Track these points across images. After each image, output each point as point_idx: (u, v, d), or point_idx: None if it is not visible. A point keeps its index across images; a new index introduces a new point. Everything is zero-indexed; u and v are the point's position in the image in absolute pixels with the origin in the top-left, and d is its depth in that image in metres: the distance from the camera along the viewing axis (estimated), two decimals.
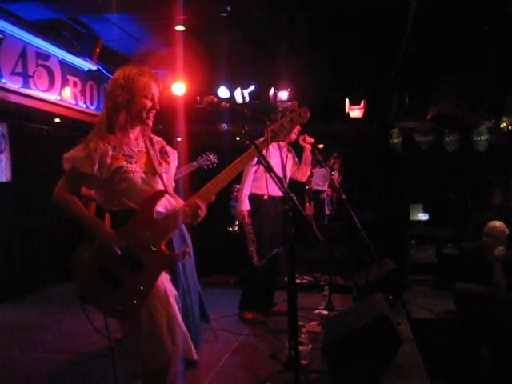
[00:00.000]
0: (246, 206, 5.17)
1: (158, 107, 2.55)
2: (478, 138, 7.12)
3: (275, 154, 5.16)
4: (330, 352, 3.69)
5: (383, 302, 3.98)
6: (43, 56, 5.84)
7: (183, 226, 2.63)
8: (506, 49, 5.14)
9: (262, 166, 2.87)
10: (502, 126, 6.83)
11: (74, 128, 6.99)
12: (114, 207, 2.48)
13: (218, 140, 7.10)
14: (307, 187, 8.86)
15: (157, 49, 6.99)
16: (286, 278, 5.32)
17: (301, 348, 3.92)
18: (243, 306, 5.30)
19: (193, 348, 2.51)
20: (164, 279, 2.47)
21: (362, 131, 7.38)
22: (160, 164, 2.58)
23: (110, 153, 2.42)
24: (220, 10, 5.59)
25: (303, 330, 4.55)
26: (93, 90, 6.88)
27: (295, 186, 5.76)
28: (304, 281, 6.69)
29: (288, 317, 2.86)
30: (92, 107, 6.85)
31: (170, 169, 2.66)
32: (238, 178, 5.10)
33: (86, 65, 6.47)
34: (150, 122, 2.56)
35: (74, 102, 6.42)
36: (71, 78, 6.37)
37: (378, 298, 4.09)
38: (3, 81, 5.25)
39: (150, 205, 2.43)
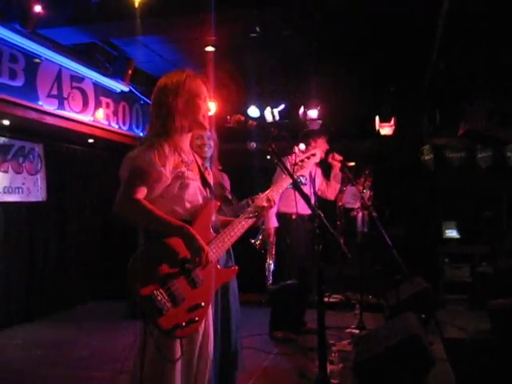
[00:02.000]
0: (273, 223, 5.15)
1: (210, 109, 2.49)
2: None
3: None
4: (360, 371, 3.65)
5: (415, 321, 3.93)
6: (77, 78, 6.00)
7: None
8: None
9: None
10: None
11: (108, 148, 7.15)
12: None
13: (248, 159, 7.14)
14: (339, 204, 8.82)
15: (188, 69, 7.12)
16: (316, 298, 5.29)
17: (331, 367, 3.88)
18: (273, 324, 5.29)
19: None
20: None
21: (393, 148, 7.33)
22: (207, 176, 2.49)
23: (174, 157, 2.29)
24: (249, 31, 5.67)
25: (334, 348, 4.50)
26: (125, 111, 7.03)
27: (326, 204, 5.75)
28: (335, 299, 6.63)
29: (317, 335, 2.83)
30: (124, 128, 6.98)
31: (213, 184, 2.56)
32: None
33: (119, 86, 6.62)
34: (207, 125, 2.46)
35: (106, 122, 6.56)
36: (104, 100, 6.52)
37: (410, 316, 4.04)
38: (40, 103, 5.41)
39: (208, 216, 2.34)
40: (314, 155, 3.06)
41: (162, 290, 2.12)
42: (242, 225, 2.46)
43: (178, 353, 2.22)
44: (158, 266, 2.14)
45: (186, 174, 2.31)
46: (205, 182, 2.44)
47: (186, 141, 2.43)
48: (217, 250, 2.33)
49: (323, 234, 2.49)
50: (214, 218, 2.40)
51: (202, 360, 2.36)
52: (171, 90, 2.35)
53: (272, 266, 5.10)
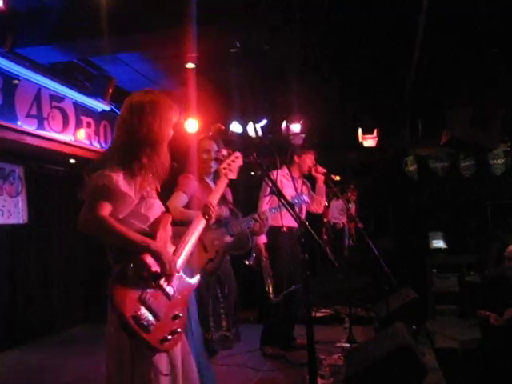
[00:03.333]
0: (262, 239, 5.11)
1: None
2: (495, 162, 7.03)
3: (288, 185, 5.15)
4: None
5: (405, 332, 3.87)
6: (57, 98, 5.94)
7: None
8: None
9: (276, 197, 2.90)
10: None
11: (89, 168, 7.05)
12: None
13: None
14: (325, 220, 8.81)
15: (169, 87, 7.09)
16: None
17: (323, 381, 3.82)
18: (264, 340, 5.21)
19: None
20: None
21: (377, 160, 7.34)
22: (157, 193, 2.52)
23: (139, 178, 2.32)
24: (230, 46, 5.66)
25: (324, 363, 4.43)
26: (106, 130, 6.96)
27: (313, 220, 5.71)
28: (324, 313, 6.57)
29: (307, 350, 2.77)
30: (106, 147, 6.91)
31: None
32: (254, 210, 5.07)
33: (99, 105, 6.57)
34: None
35: (88, 142, 6.49)
36: (85, 119, 6.46)
37: (400, 327, 3.98)
38: (18, 123, 5.33)
39: (166, 229, 2.37)
40: (237, 157, 3.11)
41: (143, 307, 2.17)
42: (195, 235, 2.54)
43: (167, 366, 2.27)
44: (134, 285, 2.18)
45: (150, 193, 2.38)
46: (157, 196, 2.48)
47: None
48: (179, 260, 2.39)
49: (309, 242, 2.45)
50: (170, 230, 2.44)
51: (186, 371, 2.40)
52: (163, 118, 2.40)
53: (270, 281, 5.05)
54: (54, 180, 6.80)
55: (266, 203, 5.03)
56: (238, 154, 3.10)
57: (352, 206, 7.74)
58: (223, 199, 3.69)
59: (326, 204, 8.21)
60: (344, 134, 7.27)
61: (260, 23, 5.17)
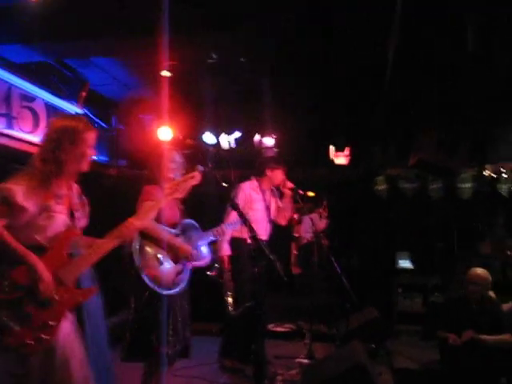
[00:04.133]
0: (225, 251, 5.09)
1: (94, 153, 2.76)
2: (463, 186, 7.13)
3: (258, 198, 5.18)
4: None
5: (361, 350, 3.89)
6: (28, 98, 5.85)
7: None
8: (485, 95, 5.22)
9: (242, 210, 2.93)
10: (485, 173, 6.87)
11: None
12: (25, 242, 2.50)
13: (203, 185, 7.09)
14: (296, 235, 8.82)
15: (144, 94, 7.07)
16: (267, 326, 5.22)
17: None
18: (222, 353, 5.18)
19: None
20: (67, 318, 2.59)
21: (347, 178, 7.40)
22: (77, 209, 2.76)
23: (43, 191, 2.54)
24: (206, 57, 5.67)
25: (280, 378, 4.42)
26: None
27: (283, 233, 5.71)
28: (286, 329, 6.55)
29: (255, 365, 2.77)
30: None
31: (85, 215, 2.86)
32: (219, 221, 5.05)
33: (72, 108, 6.49)
34: (86, 167, 2.73)
35: None
36: None
37: (357, 345, 3.99)
38: None
39: (64, 244, 2.58)
40: (192, 177, 3.20)
41: (9, 313, 2.39)
42: (102, 248, 2.66)
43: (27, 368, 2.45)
44: (6, 293, 2.40)
45: (53, 207, 2.58)
46: (71, 214, 2.70)
47: (63, 177, 2.68)
48: (70, 273, 2.56)
49: (260, 256, 2.45)
50: (73, 244, 2.64)
51: (61, 373, 2.51)
52: (68, 137, 2.62)
53: (229, 294, 5.03)
54: None
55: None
56: (195, 173, 3.21)
57: (323, 222, 7.78)
58: (180, 212, 3.76)
59: (297, 219, 8.24)
60: (316, 151, 7.31)
61: (236, 36, 5.21)
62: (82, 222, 2.82)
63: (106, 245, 2.68)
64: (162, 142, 6.79)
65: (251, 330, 5.18)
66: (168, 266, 3.53)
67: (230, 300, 4.97)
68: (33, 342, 2.40)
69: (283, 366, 4.94)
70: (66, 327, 2.54)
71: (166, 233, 3.54)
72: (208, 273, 5.13)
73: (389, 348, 5.79)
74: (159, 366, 3.51)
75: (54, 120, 2.80)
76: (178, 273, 3.59)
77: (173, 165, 3.73)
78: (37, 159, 2.61)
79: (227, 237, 5.09)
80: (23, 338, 2.39)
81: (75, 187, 2.84)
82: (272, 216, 5.36)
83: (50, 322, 2.45)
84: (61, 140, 2.61)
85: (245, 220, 2.54)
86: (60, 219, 2.61)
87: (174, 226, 3.68)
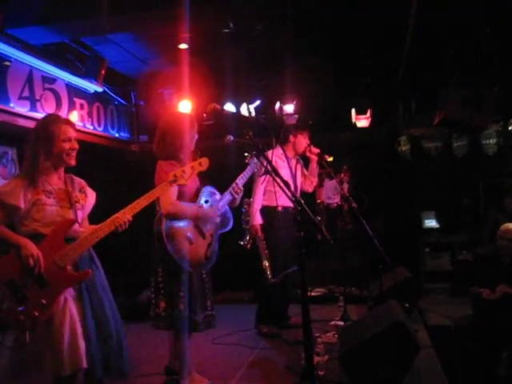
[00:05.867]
0: (258, 220, 5.12)
1: (77, 146, 2.96)
2: (487, 142, 7.05)
3: (283, 166, 5.17)
4: (346, 361, 3.64)
5: (398, 309, 3.93)
6: (49, 79, 5.89)
7: (92, 249, 2.99)
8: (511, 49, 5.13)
9: (270, 178, 2.91)
10: (510, 128, 6.78)
11: (83, 150, 7.03)
12: (25, 233, 2.79)
13: (226, 156, 7.12)
14: (318, 201, 8.82)
15: (162, 68, 7.06)
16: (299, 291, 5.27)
17: (317, 359, 3.85)
18: (259, 319, 5.27)
19: (83, 357, 2.72)
20: (67, 295, 2.80)
21: (370, 140, 7.35)
22: (77, 201, 2.98)
23: (32, 188, 2.81)
24: (223, 26, 5.63)
25: (319, 340, 4.47)
26: (100, 112, 6.92)
27: (306, 200, 5.72)
28: (318, 293, 6.64)
29: (302, 327, 2.81)
30: (99, 129, 6.88)
31: (86, 207, 3.07)
32: (249, 192, 5.07)
33: (92, 87, 6.52)
34: (73, 161, 2.96)
35: (81, 124, 6.45)
36: (78, 101, 6.41)
37: (393, 305, 4.03)
38: (11, 105, 5.30)
39: (60, 231, 2.79)
40: (200, 164, 3.22)
41: (6, 290, 2.65)
42: (97, 234, 2.82)
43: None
44: (3, 273, 2.69)
45: (44, 200, 2.83)
46: (71, 207, 2.93)
47: (53, 174, 2.94)
48: (66, 256, 2.75)
49: (304, 220, 2.48)
50: (71, 231, 2.85)
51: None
52: (39, 134, 2.87)
53: (267, 262, 5.07)
54: None
55: (261, 183, 5.06)
56: (203, 159, 3.25)
57: (345, 187, 7.77)
58: (201, 180, 3.71)
59: (320, 185, 8.24)
60: (337, 115, 7.26)
61: (252, 3, 5.16)
62: (83, 212, 3.05)
63: (101, 231, 2.82)
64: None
65: (286, 295, 5.29)
66: (198, 242, 3.53)
67: (267, 268, 5.01)
68: (25, 319, 2.63)
69: (319, 329, 5.02)
70: (66, 302, 2.77)
71: (191, 207, 3.52)
72: (241, 242, 5.20)
73: (421, 306, 5.85)
74: (186, 333, 3.58)
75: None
76: (209, 245, 3.59)
77: (195, 134, 3.65)
78: (22, 162, 2.95)
79: (258, 205, 5.13)
80: (18, 315, 2.63)
81: (78, 181, 3.09)
82: (298, 184, 5.37)
83: (44, 301, 2.67)
84: (34, 139, 2.88)
85: (285, 184, 2.55)
86: (51, 210, 2.86)
87: (196, 197, 3.63)
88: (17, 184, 2.82)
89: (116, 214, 2.86)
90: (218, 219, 3.70)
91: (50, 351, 2.69)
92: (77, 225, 2.92)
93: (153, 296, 3.59)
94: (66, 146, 2.89)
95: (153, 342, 4.59)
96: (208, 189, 3.71)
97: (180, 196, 3.52)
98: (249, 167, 4.02)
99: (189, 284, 3.51)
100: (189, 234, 3.49)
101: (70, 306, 2.78)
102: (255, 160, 3.85)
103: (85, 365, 2.71)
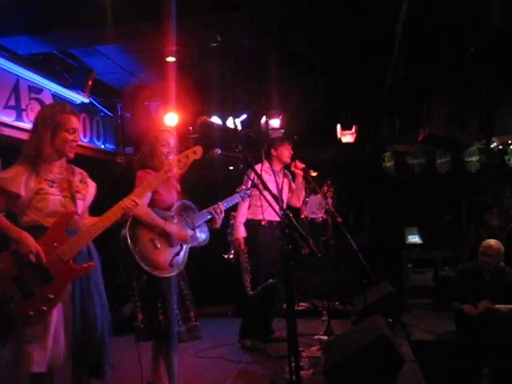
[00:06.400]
0: (241, 233, 5.13)
1: (78, 139, 2.94)
2: (470, 159, 7.18)
3: (270, 180, 5.15)
4: (331, 375, 3.65)
5: (382, 323, 3.96)
6: (36, 89, 5.87)
7: (91, 243, 2.96)
8: (494, 67, 5.24)
9: (256, 192, 2.93)
10: (492, 146, 6.91)
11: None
12: (27, 223, 2.77)
13: (212, 170, 7.14)
14: (302, 216, 8.85)
15: (149, 81, 7.08)
16: (284, 305, 5.27)
17: (302, 373, 3.84)
18: (242, 333, 5.25)
19: (62, 355, 2.76)
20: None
21: (355, 156, 7.42)
22: (78, 191, 2.94)
23: (34, 177, 2.78)
24: (210, 40, 5.66)
25: (303, 354, 4.48)
26: (85, 123, 6.88)
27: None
28: (302, 307, 6.64)
29: (287, 341, 2.81)
30: (85, 140, 6.85)
31: (87, 197, 3.03)
32: (235, 205, 5.07)
33: (79, 98, 6.50)
34: (72, 155, 2.93)
35: None
36: None
37: (377, 318, 4.06)
38: None
39: (62, 223, 2.76)
40: (194, 152, 3.22)
41: (13, 286, 2.65)
42: (100, 224, 2.82)
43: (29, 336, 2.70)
44: (9, 268, 2.67)
45: (47, 190, 2.80)
46: (72, 197, 2.90)
47: (55, 163, 2.90)
48: (69, 250, 2.74)
49: (292, 233, 2.49)
50: (73, 223, 2.83)
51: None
52: (43, 122, 2.84)
53: (247, 275, 5.07)
54: None
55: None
56: (197, 148, 3.24)
57: (329, 201, 7.81)
58: (177, 193, 3.73)
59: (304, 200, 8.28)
60: (323, 130, 7.32)
61: (240, 17, 5.19)
62: (84, 203, 3.00)
63: (104, 222, 2.82)
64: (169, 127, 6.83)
65: (269, 309, 5.28)
66: (164, 249, 3.49)
67: (247, 281, 5.02)
68: (34, 313, 2.64)
69: (304, 343, 5.00)
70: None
71: (159, 218, 3.49)
72: (225, 256, 5.20)
73: (404, 321, 5.88)
74: (169, 345, 3.56)
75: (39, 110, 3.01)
76: (176, 254, 3.56)
77: (165, 148, 3.65)
78: (23, 148, 2.87)
79: (242, 219, 5.14)
80: (26, 309, 2.64)
81: (79, 172, 3.05)
82: (285, 197, 5.38)
83: (51, 296, 2.68)
84: (38, 127, 2.85)
85: (274, 198, 2.57)
86: (55, 200, 2.82)
87: (169, 207, 3.63)
88: (18, 171, 2.77)
89: (119, 202, 2.89)
90: (189, 232, 3.68)
91: (32, 348, 2.69)
92: (77, 216, 2.89)
93: (133, 308, 3.59)
94: (70, 137, 2.87)
95: (136, 355, 4.53)
96: (184, 203, 3.72)
97: (153, 204, 3.55)
98: (237, 195, 4.02)
99: (167, 293, 3.50)
100: (154, 239, 3.47)
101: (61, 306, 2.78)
102: (247, 191, 3.90)
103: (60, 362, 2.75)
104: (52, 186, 2.84)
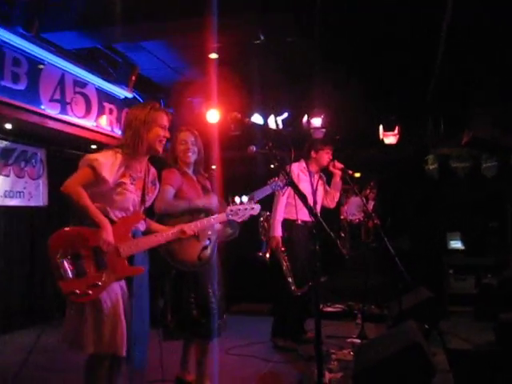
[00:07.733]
0: (278, 231, 5.11)
1: (168, 136, 3.05)
2: None
3: (305, 179, 5.15)
4: (360, 380, 3.57)
5: (416, 330, 3.85)
6: (80, 83, 6.00)
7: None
8: None
9: (291, 191, 2.90)
10: None
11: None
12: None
13: (252, 166, 7.13)
14: (342, 217, 8.75)
15: (192, 77, 7.11)
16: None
17: (331, 375, 3.81)
18: (275, 332, 5.23)
19: (124, 346, 2.81)
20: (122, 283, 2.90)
21: (397, 158, 7.28)
22: (148, 193, 3.08)
23: (123, 169, 2.89)
24: (253, 38, 5.64)
25: (334, 357, 4.43)
26: None
27: (329, 216, 5.67)
28: (337, 309, 6.57)
29: (314, 343, 2.78)
30: None
31: (150, 199, 3.15)
32: (267, 205, 5.04)
33: (122, 92, 6.61)
34: (161, 149, 3.03)
35: (109, 128, 6.53)
36: (107, 105, 6.50)
37: (411, 325, 3.95)
38: (42, 107, 5.40)
39: (130, 223, 2.92)
40: (252, 209, 3.32)
41: (70, 262, 2.77)
42: (161, 237, 3.04)
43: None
44: (74, 243, 2.79)
45: (127, 186, 2.91)
46: (143, 198, 3.03)
47: (141, 160, 3.02)
48: (129, 249, 2.87)
49: (320, 233, 2.45)
50: (139, 225, 2.99)
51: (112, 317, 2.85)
52: (140, 119, 2.94)
53: (290, 275, 5.06)
54: (75, 164, 6.81)
55: (283, 195, 5.04)
56: (255, 205, 3.36)
57: (370, 204, 7.69)
58: (206, 190, 3.83)
59: (341, 202, 8.18)
60: (365, 131, 7.21)
61: (283, 16, 5.16)
62: (148, 203, 3.13)
63: (162, 237, 3.02)
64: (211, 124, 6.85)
65: (303, 309, 5.24)
66: (191, 243, 3.51)
67: (291, 280, 4.99)
68: (80, 293, 2.76)
69: (335, 345, 4.95)
70: (116, 289, 2.86)
71: (181, 201, 3.63)
72: (259, 253, 5.19)
73: (441, 329, 5.72)
74: (204, 340, 3.62)
75: (130, 108, 3.15)
76: (204, 248, 3.59)
77: (183, 146, 3.75)
78: (119, 142, 3.02)
79: (280, 217, 5.12)
80: (74, 287, 2.76)
81: (152, 172, 3.16)
82: (319, 198, 5.32)
83: (99, 283, 2.78)
84: (132, 124, 2.95)
85: (303, 197, 2.54)
86: (130, 198, 2.93)
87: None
88: (116, 160, 2.86)
89: (182, 226, 3.13)
90: (217, 226, 3.69)
91: (92, 331, 2.78)
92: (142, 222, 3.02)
93: (163, 306, 3.63)
94: (161, 132, 2.98)
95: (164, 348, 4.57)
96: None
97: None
98: (267, 187, 4.01)
99: (199, 288, 3.57)
100: None
101: (121, 297, 2.87)
102: (279, 183, 3.89)
103: (123, 353, 2.80)
104: (132, 183, 2.95)
